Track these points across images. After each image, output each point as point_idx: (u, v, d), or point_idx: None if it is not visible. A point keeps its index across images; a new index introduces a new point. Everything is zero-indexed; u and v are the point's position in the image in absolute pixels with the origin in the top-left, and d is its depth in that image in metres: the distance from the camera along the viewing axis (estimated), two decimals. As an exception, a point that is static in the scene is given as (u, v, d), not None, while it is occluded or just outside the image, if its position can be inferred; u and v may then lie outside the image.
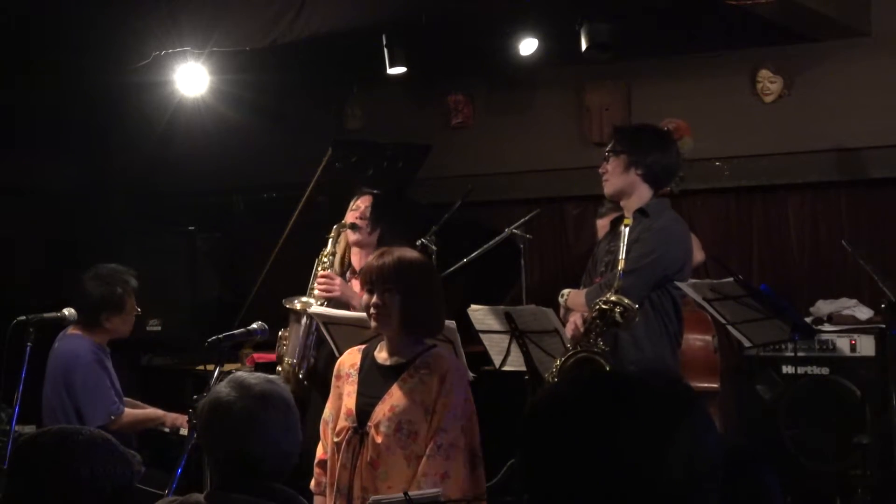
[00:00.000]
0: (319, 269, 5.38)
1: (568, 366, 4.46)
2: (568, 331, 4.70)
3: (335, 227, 5.41)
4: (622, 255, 4.46)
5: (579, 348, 4.50)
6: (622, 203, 4.86)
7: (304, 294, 5.34)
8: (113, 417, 5.50)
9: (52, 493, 2.68)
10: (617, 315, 4.38)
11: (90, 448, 2.72)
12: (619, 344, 4.58)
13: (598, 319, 4.44)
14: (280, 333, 5.41)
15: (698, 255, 5.90)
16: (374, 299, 3.88)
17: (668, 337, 4.76)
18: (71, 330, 5.63)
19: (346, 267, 5.43)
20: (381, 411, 3.87)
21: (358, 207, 5.38)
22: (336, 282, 5.26)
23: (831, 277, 6.93)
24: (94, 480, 2.68)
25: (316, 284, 5.31)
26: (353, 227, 5.32)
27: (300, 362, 5.30)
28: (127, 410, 5.64)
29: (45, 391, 5.66)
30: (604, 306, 4.41)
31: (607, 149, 4.88)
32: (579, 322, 4.64)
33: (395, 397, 3.88)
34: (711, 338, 5.79)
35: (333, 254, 5.39)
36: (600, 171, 4.87)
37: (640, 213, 4.73)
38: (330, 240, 5.42)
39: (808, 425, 6.24)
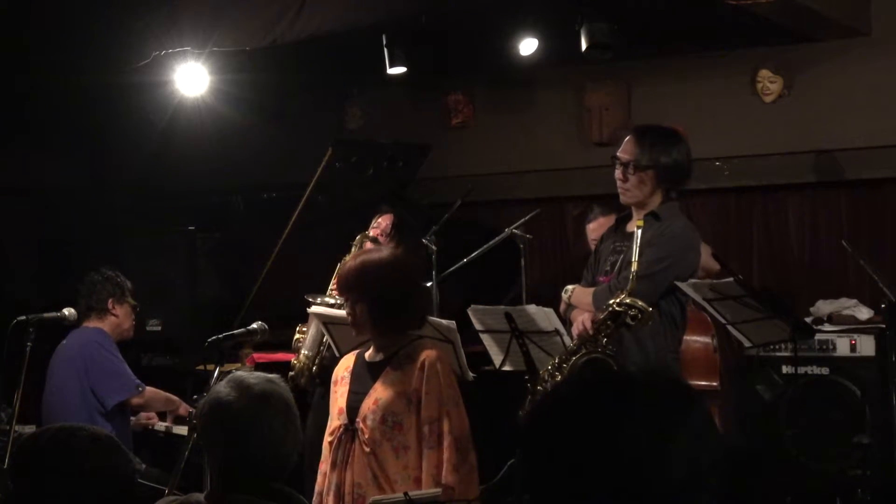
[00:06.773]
0: None
1: (579, 365, 4.43)
2: (575, 330, 4.68)
3: (358, 236, 5.46)
4: (635, 257, 4.41)
5: (586, 349, 4.49)
6: (635, 208, 4.83)
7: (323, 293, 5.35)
8: (140, 389, 5.79)
9: (56, 491, 2.68)
10: (629, 317, 4.36)
11: (93, 444, 2.73)
12: (623, 345, 4.56)
13: (609, 321, 4.41)
14: (298, 327, 5.46)
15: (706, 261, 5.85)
16: (347, 309, 3.95)
17: (673, 342, 4.75)
18: (82, 324, 5.78)
19: None
20: (367, 405, 3.91)
21: (379, 225, 5.48)
22: None
23: (831, 277, 6.92)
24: (97, 477, 2.69)
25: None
26: (375, 240, 5.39)
27: (314, 357, 5.33)
28: (150, 388, 5.87)
29: (52, 385, 5.70)
30: (617, 308, 4.35)
31: (628, 158, 4.72)
32: (587, 322, 4.62)
33: (378, 390, 3.92)
34: (711, 338, 5.78)
35: None
36: (618, 178, 4.74)
37: (652, 216, 4.71)
38: (353, 247, 5.43)
39: (808, 425, 6.23)
